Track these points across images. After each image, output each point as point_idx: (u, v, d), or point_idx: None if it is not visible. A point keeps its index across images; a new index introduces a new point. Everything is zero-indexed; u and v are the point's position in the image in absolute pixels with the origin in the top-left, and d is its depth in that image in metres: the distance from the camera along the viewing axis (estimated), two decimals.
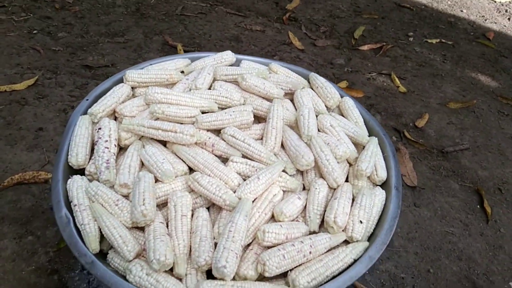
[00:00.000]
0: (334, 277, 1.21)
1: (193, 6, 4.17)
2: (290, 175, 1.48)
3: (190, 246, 1.22)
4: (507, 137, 3.15)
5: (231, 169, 1.40)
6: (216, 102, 1.63)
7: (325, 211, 1.36)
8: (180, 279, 1.17)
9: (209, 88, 1.77)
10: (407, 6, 4.84)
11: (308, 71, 1.92)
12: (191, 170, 1.45)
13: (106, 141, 1.42)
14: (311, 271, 1.18)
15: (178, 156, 1.47)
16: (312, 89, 1.84)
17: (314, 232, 1.33)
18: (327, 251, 1.27)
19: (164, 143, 1.53)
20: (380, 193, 1.45)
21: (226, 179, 1.35)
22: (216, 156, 1.52)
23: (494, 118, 3.34)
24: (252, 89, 1.72)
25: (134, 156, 1.41)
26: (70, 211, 1.26)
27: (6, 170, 2.29)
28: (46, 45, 3.29)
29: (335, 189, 1.45)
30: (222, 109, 1.64)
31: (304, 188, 1.51)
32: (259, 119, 1.71)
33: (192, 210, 1.31)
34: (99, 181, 1.34)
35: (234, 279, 1.15)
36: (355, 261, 1.25)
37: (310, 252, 1.22)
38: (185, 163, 1.45)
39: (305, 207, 1.39)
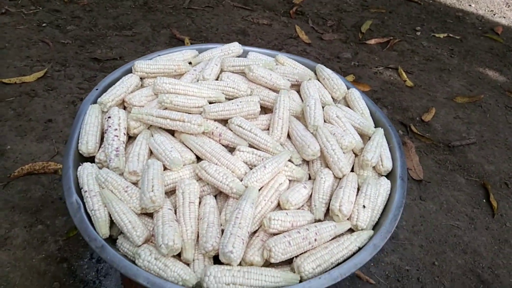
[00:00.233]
0: (338, 264, 1.23)
1: (200, 0, 4.18)
2: (296, 165, 1.49)
3: (198, 232, 1.25)
4: None
5: (238, 158, 1.42)
6: (223, 93, 1.65)
7: (330, 200, 1.37)
8: (188, 264, 1.19)
9: (217, 79, 1.78)
10: (414, 0, 4.81)
11: (314, 63, 1.93)
12: (198, 159, 1.47)
13: (116, 129, 1.44)
14: (316, 257, 1.20)
15: (185, 145, 1.49)
16: (318, 80, 1.85)
17: (319, 221, 1.34)
18: (332, 239, 1.29)
19: (172, 132, 1.55)
20: (385, 183, 1.46)
21: (233, 168, 1.37)
22: (223, 145, 1.54)
23: (501, 112, 3.32)
24: (259, 80, 1.73)
25: (143, 145, 1.43)
26: (81, 197, 1.28)
27: (17, 160, 2.33)
28: (55, 38, 3.33)
29: (340, 178, 1.46)
30: (229, 99, 1.65)
31: (310, 178, 1.52)
32: (265, 109, 1.73)
33: (199, 198, 1.33)
34: (109, 169, 1.37)
35: (240, 264, 1.17)
36: (359, 249, 1.26)
37: (315, 240, 1.23)
38: (193, 152, 1.46)
39: (310, 196, 1.41)
